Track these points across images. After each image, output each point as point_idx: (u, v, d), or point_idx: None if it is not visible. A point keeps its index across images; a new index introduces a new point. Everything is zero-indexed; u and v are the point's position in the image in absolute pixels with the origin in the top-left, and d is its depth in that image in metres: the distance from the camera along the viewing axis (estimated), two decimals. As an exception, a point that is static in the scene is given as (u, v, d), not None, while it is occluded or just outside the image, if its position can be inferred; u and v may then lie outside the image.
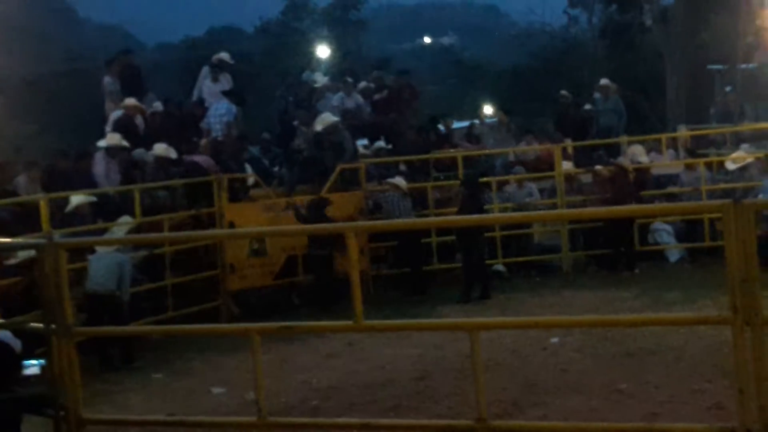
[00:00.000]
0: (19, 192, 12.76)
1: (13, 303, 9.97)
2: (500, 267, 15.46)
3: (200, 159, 14.34)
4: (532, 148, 17.74)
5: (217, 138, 15.34)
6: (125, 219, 12.32)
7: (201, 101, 16.92)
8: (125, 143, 14.23)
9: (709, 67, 25.87)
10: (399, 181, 14.69)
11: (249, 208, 13.95)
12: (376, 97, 18.93)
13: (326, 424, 6.40)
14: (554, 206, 15.54)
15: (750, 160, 15.51)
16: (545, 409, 8.10)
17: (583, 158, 16.80)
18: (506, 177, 16.49)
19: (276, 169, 17.32)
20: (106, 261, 11.01)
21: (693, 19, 24.88)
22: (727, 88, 23.72)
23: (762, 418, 4.74)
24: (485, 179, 15.66)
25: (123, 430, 7.57)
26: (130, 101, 15.31)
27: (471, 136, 19.20)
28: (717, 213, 5.12)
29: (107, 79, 16.32)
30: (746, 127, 19.24)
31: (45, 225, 11.04)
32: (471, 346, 5.31)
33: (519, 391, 8.66)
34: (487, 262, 14.60)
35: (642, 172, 15.98)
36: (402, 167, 16.54)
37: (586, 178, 16.09)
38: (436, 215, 15.15)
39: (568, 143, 16.83)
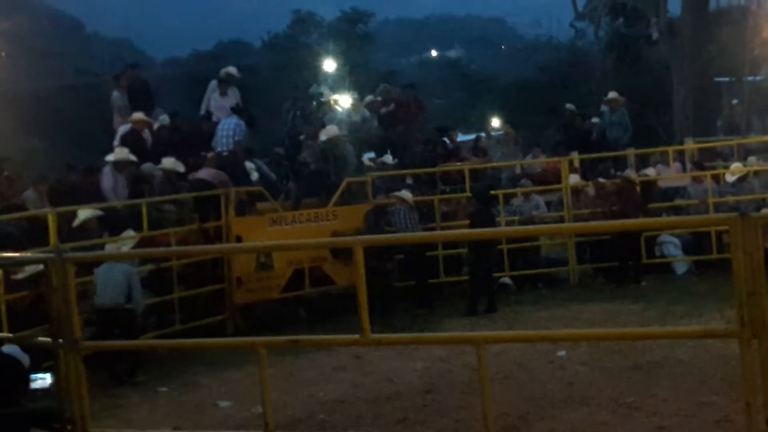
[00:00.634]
0: (28, 206, 12.81)
1: (20, 317, 10.01)
2: (507, 280, 15.45)
3: (205, 174, 14.33)
4: (538, 161, 17.75)
5: (222, 153, 15.33)
6: (129, 233, 12.34)
7: (209, 115, 16.96)
8: (133, 157, 14.26)
9: (716, 79, 25.89)
10: (405, 194, 14.69)
11: (256, 221, 13.96)
12: (383, 110, 18.95)
13: (333, 438, 6.40)
14: (561, 219, 15.53)
15: (748, 172, 15.56)
16: (552, 422, 8.08)
17: (590, 171, 16.80)
18: (513, 190, 16.49)
19: (284, 182, 17.35)
20: (113, 273, 10.92)
21: (700, 32, 24.89)
22: (734, 101, 23.75)
23: (769, 431, 4.72)
24: (494, 192, 15.68)
25: (130, 444, 7.57)
26: (138, 115, 15.37)
27: (477, 149, 19.21)
28: (724, 226, 5.11)
29: (115, 94, 16.39)
30: (753, 139, 19.26)
31: (53, 239, 11.07)
32: (478, 360, 5.30)
33: (526, 405, 8.64)
34: (495, 275, 14.58)
35: (649, 184, 15.98)
36: (409, 180, 16.56)
37: (593, 191, 16.08)
38: (443, 228, 15.16)
39: (575, 156, 16.82)
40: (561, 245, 15.78)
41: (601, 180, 15.69)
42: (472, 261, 14.11)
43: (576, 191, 15.93)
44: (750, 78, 23.69)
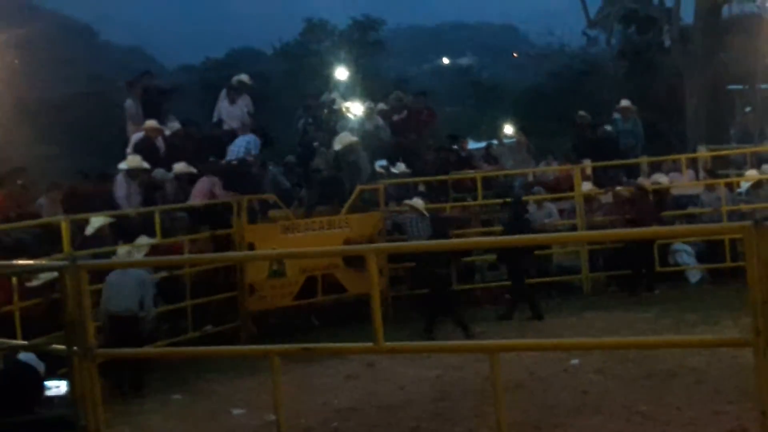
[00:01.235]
0: (41, 214, 12.85)
1: (34, 324, 10.03)
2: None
3: (200, 186, 14.39)
4: (551, 169, 17.72)
5: (231, 161, 15.32)
6: (143, 240, 12.37)
7: (221, 122, 17.02)
8: (146, 165, 14.33)
9: (729, 87, 25.84)
10: (416, 202, 14.69)
11: (269, 229, 13.98)
12: (395, 118, 18.97)
13: (346, 446, 6.40)
14: (574, 227, 15.50)
15: (761, 179, 15.53)
16: (565, 430, 8.08)
17: (602, 179, 16.77)
18: (526, 197, 16.46)
19: (297, 190, 17.38)
20: (126, 280, 10.83)
21: (712, 39, 24.84)
22: (747, 109, 23.71)
23: (785, 440, 4.70)
24: (507, 199, 15.72)
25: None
26: (150, 123, 15.42)
27: (489, 156, 19.21)
28: (738, 234, 5.09)
29: (128, 102, 16.45)
30: (767, 147, 19.18)
31: (66, 247, 11.11)
32: (491, 368, 5.29)
33: (539, 413, 8.63)
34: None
35: (662, 192, 15.95)
36: (421, 188, 16.57)
37: (606, 198, 16.05)
38: (455, 236, 15.13)
39: (587, 164, 16.80)
40: (574, 253, 15.75)
41: (619, 188, 15.66)
42: (510, 268, 13.95)
43: (588, 199, 15.90)
44: (763, 86, 23.64)
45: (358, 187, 15.15)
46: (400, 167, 16.85)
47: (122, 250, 11.79)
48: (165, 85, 18.58)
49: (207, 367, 11.38)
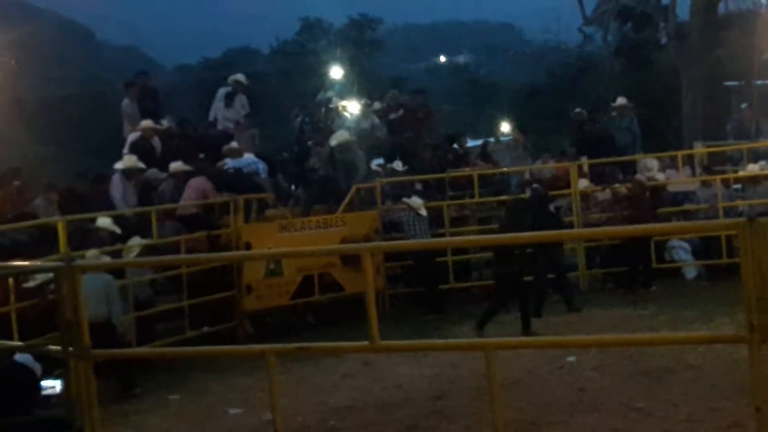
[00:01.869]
0: (38, 214, 12.85)
1: (30, 325, 10.03)
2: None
3: (194, 185, 14.38)
4: (548, 166, 17.73)
5: (228, 170, 15.25)
6: (136, 241, 12.35)
7: (216, 123, 17.05)
8: (141, 165, 14.33)
9: (726, 83, 25.86)
10: (415, 200, 14.70)
11: (265, 228, 13.98)
12: (392, 116, 18.98)
13: (343, 445, 6.40)
14: (570, 224, 15.50)
15: (760, 175, 15.53)
16: (563, 428, 8.07)
17: (599, 176, 16.77)
18: (523, 195, 16.46)
19: (293, 188, 17.38)
20: (93, 284, 10.19)
21: (709, 35, 24.85)
22: (743, 105, 23.68)
23: (780, 436, 4.71)
24: (504, 197, 15.74)
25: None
26: (146, 123, 15.43)
27: (485, 154, 19.22)
28: (733, 231, 5.10)
29: (126, 102, 16.46)
30: (763, 143, 19.19)
31: (63, 247, 11.10)
32: (487, 366, 5.30)
33: (536, 410, 8.63)
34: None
35: (658, 189, 15.96)
36: (418, 186, 16.57)
37: (603, 195, 16.05)
38: (452, 234, 15.16)
39: (584, 161, 16.80)
40: (571, 250, 15.75)
41: (617, 185, 15.66)
42: (539, 265, 13.81)
43: (585, 196, 15.91)
44: (759, 82, 23.66)
45: (355, 186, 15.16)
46: (397, 166, 16.85)
47: (90, 253, 11.42)
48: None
49: (204, 367, 11.38)
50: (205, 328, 13.01)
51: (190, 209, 14.01)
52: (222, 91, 17.52)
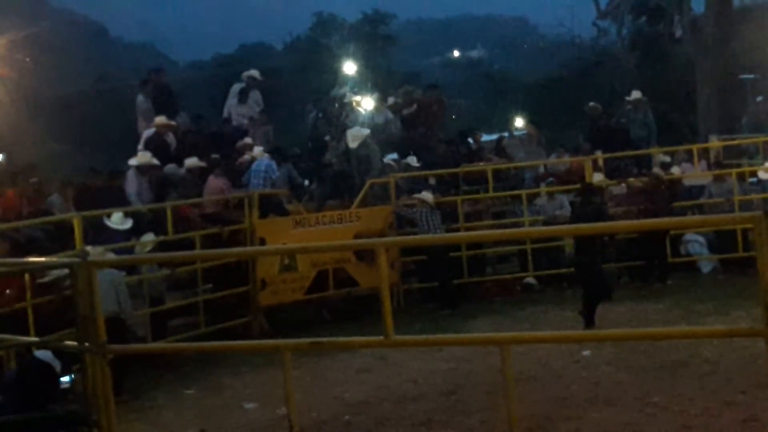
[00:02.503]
0: (54, 211, 12.90)
1: (46, 321, 10.06)
2: (531, 280, 15.42)
3: (213, 185, 14.41)
4: (562, 161, 17.68)
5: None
6: (148, 237, 12.38)
7: (230, 119, 17.07)
8: (155, 161, 14.37)
9: (741, 76, 25.74)
10: (426, 195, 14.68)
11: (280, 223, 13.99)
12: (405, 111, 18.95)
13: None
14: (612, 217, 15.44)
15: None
16: (578, 422, 8.06)
17: (614, 170, 16.72)
18: (537, 189, 16.44)
19: (307, 183, 17.39)
20: (102, 280, 10.39)
21: (724, 29, 24.74)
22: (759, 98, 23.61)
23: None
24: (518, 192, 15.74)
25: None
26: (161, 119, 15.46)
27: (500, 149, 19.17)
28: (749, 224, 5.07)
29: (140, 98, 16.51)
30: (779, 136, 19.09)
31: (78, 243, 11.13)
32: (502, 360, 5.29)
33: (551, 405, 8.62)
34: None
35: (674, 183, 15.90)
36: (432, 181, 16.55)
37: (618, 189, 16.01)
38: (466, 229, 15.14)
39: (599, 155, 16.75)
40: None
41: (632, 179, 15.61)
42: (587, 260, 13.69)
43: (600, 190, 15.85)
44: (775, 75, 23.54)
45: (369, 181, 15.15)
46: (412, 161, 16.83)
47: (94, 250, 11.40)
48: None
49: (219, 362, 11.40)
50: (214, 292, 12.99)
51: (209, 208, 14.05)
52: (236, 88, 17.54)
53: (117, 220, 12.36)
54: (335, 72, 34.12)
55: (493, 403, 8.50)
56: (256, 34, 64.62)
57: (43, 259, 8.03)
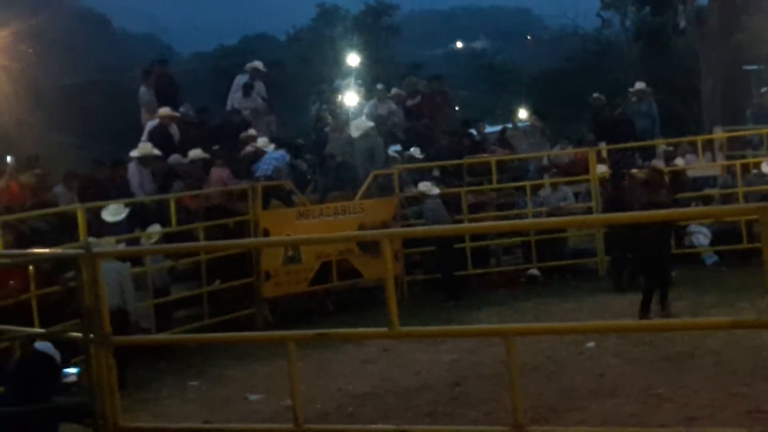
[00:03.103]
0: (58, 202, 12.89)
1: (49, 312, 10.07)
2: (535, 271, 15.41)
3: (216, 176, 14.39)
4: (566, 152, 17.65)
5: (258, 177, 15.07)
6: (154, 228, 12.37)
7: (235, 110, 17.05)
8: (156, 152, 14.36)
9: (745, 67, 25.63)
10: (424, 185, 14.64)
11: (284, 215, 13.98)
12: (409, 103, 18.93)
13: (362, 431, 6.39)
14: (589, 210, 15.46)
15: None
16: (582, 413, 8.06)
17: (618, 161, 16.68)
18: (541, 181, 16.43)
19: (309, 175, 17.36)
20: (106, 273, 10.29)
21: (728, 19, 24.64)
22: (763, 89, 23.47)
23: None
24: (522, 183, 15.72)
25: (161, 438, 7.61)
26: (164, 110, 15.45)
27: (503, 140, 19.14)
28: (754, 216, 5.05)
29: (143, 90, 16.49)
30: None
31: (82, 235, 11.13)
32: (507, 352, 5.28)
33: (556, 396, 8.63)
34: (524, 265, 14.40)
35: (678, 174, 15.86)
36: (435, 173, 16.53)
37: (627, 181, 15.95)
38: (470, 221, 15.13)
39: (603, 146, 16.72)
40: (589, 236, 15.71)
41: (635, 170, 15.58)
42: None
43: (604, 181, 15.83)
44: (779, 66, 23.45)
45: (373, 173, 15.13)
46: (415, 153, 16.80)
47: (105, 241, 11.30)
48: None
49: (223, 354, 11.42)
50: (218, 282, 13.01)
51: (213, 200, 14.04)
52: (240, 80, 17.52)
53: (112, 211, 12.30)
54: (338, 63, 34.16)
55: (498, 395, 8.51)
56: (259, 25, 64.53)
57: (47, 250, 8.01)
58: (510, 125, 21.10)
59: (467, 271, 15.16)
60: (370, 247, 13.58)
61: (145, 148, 14.32)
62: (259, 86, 17.53)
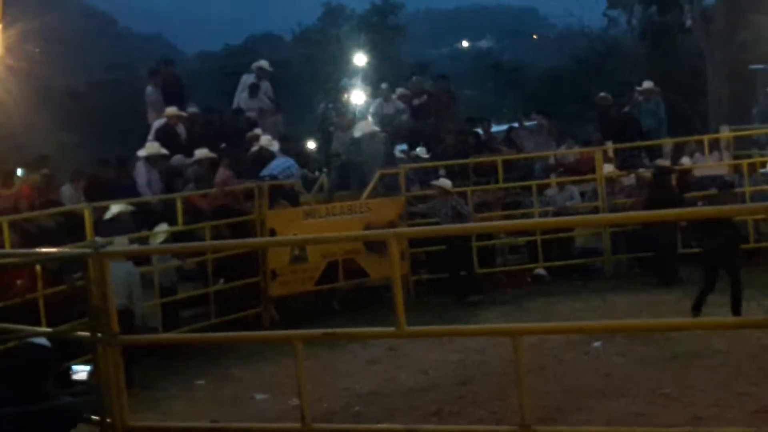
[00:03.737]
0: (64, 201, 12.92)
1: (55, 312, 10.08)
2: (542, 271, 15.40)
3: (220, 176, 14.40)
4: (572, 152, 17.64)
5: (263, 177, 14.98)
6: (162, 227, 12.39)
7: (241, 110, 17.08)
8: (164, 151, 14.38)
9: (751, 67, 25.59)
10: (443, 182, 14.60)
11: (290, 214, 13.99)
12: (415, 102, 18.94)
13: (369, 430, 6.40)
14: (596, 209, 15.44)
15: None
16: (589, 413, 8.06)
17: (625, 161, 16.67)
18: (547, 180, 16.42)
19: (317, 174, 17.39)
20: (117, 273, 10.31)
21: (734, 18, 24.59)
22: (769, 88, 23.50)
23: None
24: (528, 183, 15.71)
25: (167, 437, 7.62)
26: (171, 110, 15.48)
27: (510, 140, 19.13)
28: (761, 215, 5.05)
29: (149, 89, 16.54)
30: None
31: (89, 234, 11.15)
32: (514, 351, 5.28)
33: (562, 396, 8.62)
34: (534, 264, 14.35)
35: (684, 173, 15.84)
36: (441, 172, 16.53)
37: (628, 180, 15.96)
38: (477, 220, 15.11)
39: (609, 146, 16.70)
40: (596, 236, 15.69)
41: (642, 170, 15.57)
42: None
43: (610, 181, 15.83)
44: (786, 65, 23.42)
45: (379, 172, 15.13)
46: (421, 152, 16.80)
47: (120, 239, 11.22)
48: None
49: (230, 353, 11.42)
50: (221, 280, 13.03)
51: (220, 200, 14.05)
52: (246, 79, 17.54)
53: (119, 208, 12.31)
54: (344, 62, 34.16)
55: (504, 394, 8.52)
56: (265, 24, 64.52)
57: (55, 249, 8.02)
58: (516, 124, 21.08)
59: (474, 271, 15.12)
60: (376, 247, 13.58)
61: (152, 147, 14.35)
62: (266, 86, 17.56)
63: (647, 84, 18.60)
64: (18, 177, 14.20)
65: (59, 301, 10.53)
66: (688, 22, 28.58)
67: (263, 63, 17.77)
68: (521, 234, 15.73)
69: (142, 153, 14.36)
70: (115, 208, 12.27)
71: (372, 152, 15.71)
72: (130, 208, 12.51)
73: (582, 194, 16.25)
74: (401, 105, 18.57)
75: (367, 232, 12.16)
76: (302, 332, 6.31)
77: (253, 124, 16.50)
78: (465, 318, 12.79)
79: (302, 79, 36.67)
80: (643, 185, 15.35)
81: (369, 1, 47.73)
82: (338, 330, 6.74)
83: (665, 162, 15.57)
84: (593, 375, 9.33)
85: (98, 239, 10.16)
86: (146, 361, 10.75)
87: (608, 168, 15.85)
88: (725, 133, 18.47)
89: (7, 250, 10.06)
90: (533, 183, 16.02)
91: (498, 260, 16.04)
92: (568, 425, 7.63)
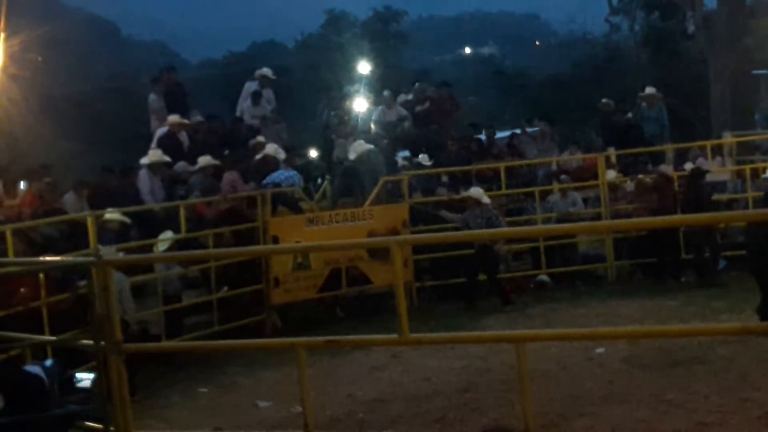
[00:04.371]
0: (68, 210, 12.93)
1: (61, 320, 10.09)
2: (545, 277, 15.40)
3: (226, 179, 14.43)
4: (575, 158, 17.64)
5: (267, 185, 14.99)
6: (167, 235, 12.40)
7: (243, 118, 17.10)
8: (167, 159, 14.39)
9: (754, 72, 25.61)
10: (475, 191, 14.51)
11: (293, 221, 14.00)
12: (418, 109, 18.95)
13: (372, 437, 6.39)
14: (598, 215, 15.44)
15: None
16: (592, 420, 8.05)
17: (628, 167, 16.68)
18: (550, 186, 16.42)
19: (320, 182, 17.40)
20: None
21: (736, 24, 24.62)
22: (772, 93, 23.50)
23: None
24: (531, 189, 15.70)
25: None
26: (174, 118, 15.50)
27: (512, 146, 19.15)
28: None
29: (152, 97, 16.55)
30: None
31: (92, 242, 11.16)
32: (517, 358, 5.29)
33: (565, 402, 8.61)
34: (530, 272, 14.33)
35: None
36: (444, 179, 16.54)
37: (631, 186, 15.97)
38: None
39: (612, 152, 16.71)
40: (599, 242, 15.69)
41: (641, 176, 15.57)
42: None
43: (613, 187, 15.83)
44: (788, 70, 23.43)
45: (382, 179, 15.14)
46: (423, 160, 16.79)
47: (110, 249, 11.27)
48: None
49: (233, 360, 11.43)
50: (225, 288, 13.02)
51: (225, 204, 14.06)
52: (249, 87, 17.56)
53: (115, 216, 12.29)
54: (347, 70, 34.19)
55: (507, 401, 8.52)
56: (268, 32, 64.61)
57: (58, 258, 8.05)
58: (518, 131, 21.10)
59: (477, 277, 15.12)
60: (379, 254, 13.58)
61: (155, 155, 14.36)
62: (268, 94, 17.58)
63: (650, 90, 18.60)
64: (21, 188, 14.20)
65: (63, 309, 10.54)
66: (691, 28, 28.63)
67: (266, 71, 17.78)
68: (524, 240, 15.72)
69: (144, 161, 14.38)
70: (107, 216, 12.19)
71: (371, 167, 15.66)
72: (123, 218, 12.40)
73: (585, 200, 16.25)
74: (404, 112, 18.59)
75: (370, 240, 12.15)
76: (305, 339, 6.33)
77: (256, 132, 16.52)
78: (468, 325, 12.78)
79: (305, 87, 36.72)
80: (642, 191, 15.36)
81: (372, 8, 47.86)
82: (341, 337, 6.75)
83: (667, 169, 15.57)
84: (596, 381, 9.32)
85: (101, 248, 10.22)
86: (149, 369, 10.76)
87: (611, 174, 15.86)
88: (728, 138, 18.49)
89: (11, 258, 10.07)
90: (536, 189, 16.03)
91: (501, 267, 16.01)
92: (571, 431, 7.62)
